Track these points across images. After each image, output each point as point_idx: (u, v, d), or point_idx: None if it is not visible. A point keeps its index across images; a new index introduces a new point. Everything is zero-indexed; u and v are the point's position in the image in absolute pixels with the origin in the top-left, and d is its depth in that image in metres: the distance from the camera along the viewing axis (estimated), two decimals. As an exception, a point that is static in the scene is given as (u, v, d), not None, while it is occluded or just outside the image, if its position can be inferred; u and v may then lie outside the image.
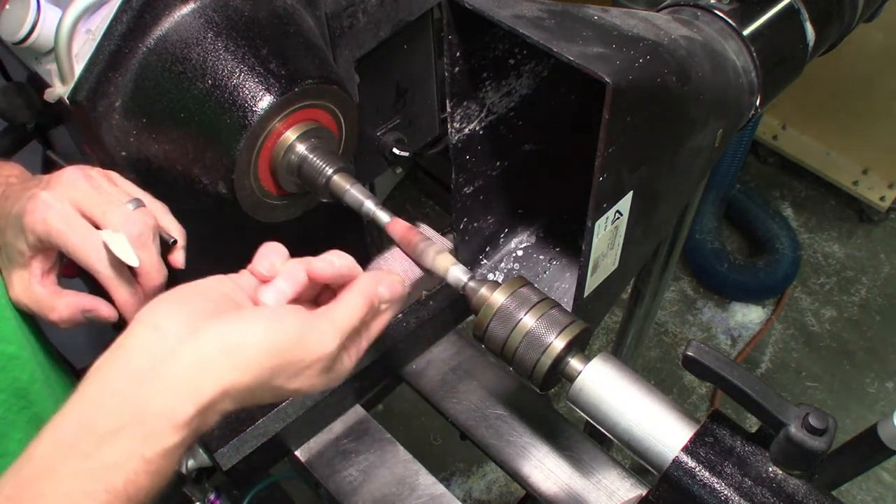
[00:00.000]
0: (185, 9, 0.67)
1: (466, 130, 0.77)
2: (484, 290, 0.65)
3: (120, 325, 0.68)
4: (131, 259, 0.62)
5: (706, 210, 2.52)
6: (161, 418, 0.48)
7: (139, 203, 0.66)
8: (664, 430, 0.62)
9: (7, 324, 0.66)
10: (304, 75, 0.68)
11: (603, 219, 0.68)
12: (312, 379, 0.56)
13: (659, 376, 2.35)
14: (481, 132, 0.79)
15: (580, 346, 0.66)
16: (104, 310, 0.67)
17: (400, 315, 0.95)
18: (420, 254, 0.66)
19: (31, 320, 0.71)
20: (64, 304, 0.66)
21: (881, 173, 2.60)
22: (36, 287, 0.66)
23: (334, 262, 0.60)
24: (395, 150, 1.01)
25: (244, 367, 0.52)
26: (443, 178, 1.28)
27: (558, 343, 0.63)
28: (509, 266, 0.92)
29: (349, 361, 0.59)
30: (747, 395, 0.57)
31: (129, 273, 0.65)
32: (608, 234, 0.71)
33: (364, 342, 0.60)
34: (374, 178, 1.09)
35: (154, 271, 0.65)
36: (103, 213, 0.63)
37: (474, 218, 0.86)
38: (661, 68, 0.65)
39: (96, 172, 0.66)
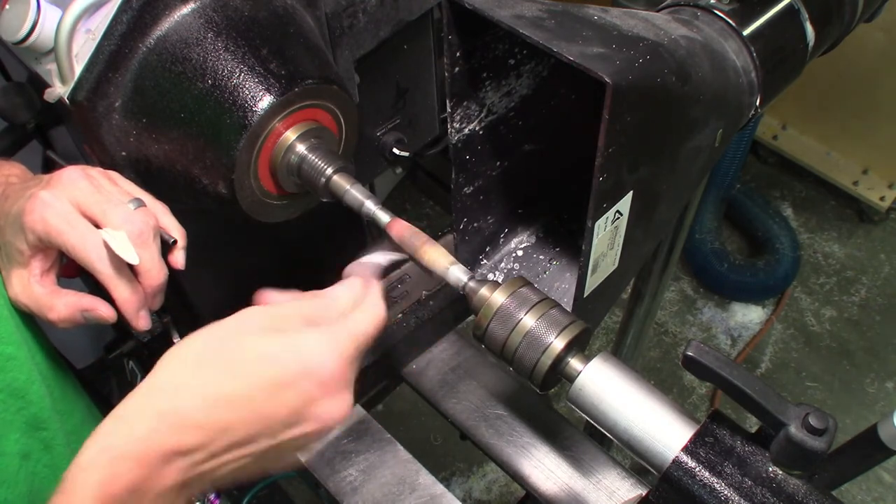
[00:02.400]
0: (185, 9, 0.67)
1: (466, 130, 0.77)
2: (484, 290, 0.65)
3: (119, 325, 0.68)
4: (132, 257, 0.62)
5: (706, 210, 2.52)
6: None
7: (140, 203, 0.65)
8: (664, 430, 0.62)
9: (5, 324, 0.66)
10: (304, 75, 0.68)
11: (603, 219, 0.68)
12: (261, 365, 0.51)
13: (659, 376, 2.35)
14: (481, 132, 0.79)
15: (580, 346, 0.66)
16: (103, 310, 0.67)
17: (400, 315, 0.95)
18: (419, 254, 0.66)
19: (30, 320, 0.71)
20: (63, 304, 0.66)
21: (881, 173, 2.60)
22: (35, 286, 0.66)
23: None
24: (395, 150, 1.01)
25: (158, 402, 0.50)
26: (443, 178, 1.28)
27: (558, 343, 0.63)
28: (509, 266, 0.92)
29: (318, 336, 0.52)
30: (747, 395, 0.57)
31: (129, 272, 0.65)
32: (608, 234, 0.71)
33: (339, 325, 0.54)
34: (374, 178, 1.09)
35: (155, 270, 0.65)
36: (104, 212, 0.63)
37: (474, 218, 0.86)
38: (661, 68, 0.65)
39: (97, 172, 0.66)
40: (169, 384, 0.51)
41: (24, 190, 0.65)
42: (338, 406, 0.53)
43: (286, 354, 0.51)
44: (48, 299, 0.66)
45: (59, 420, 0.73)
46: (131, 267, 0.64)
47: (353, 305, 0.58)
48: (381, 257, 0.72)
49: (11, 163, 0.74)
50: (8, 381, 0.66)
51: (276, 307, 0.55)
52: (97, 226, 0.63)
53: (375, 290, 0.61)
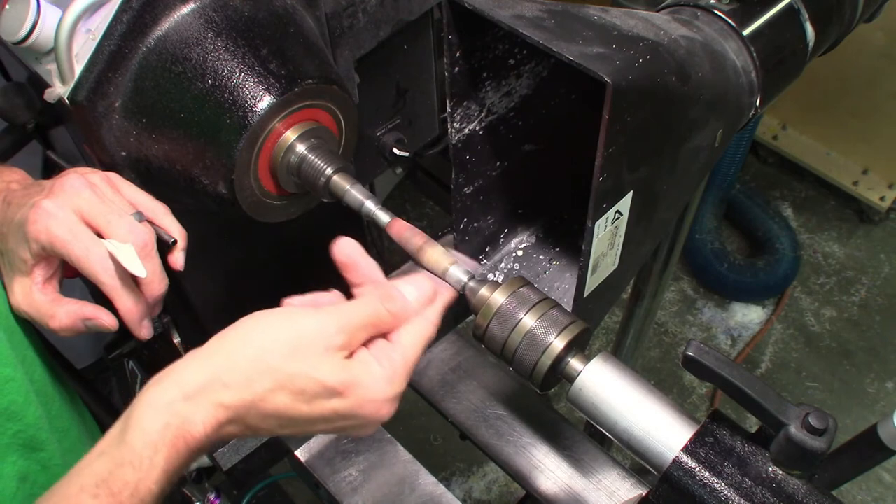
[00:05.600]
0: (185, 9, 0.67)
1: (466, 130, 0.77)
2: (484, 291, 0.65)
3: (120, 325, 0.68)
4: (140, 270, 0.62)
5: (706, 210, 2.52)
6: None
7: (142, 216, 0.66)
8: (664, 430, 0.62)
9: (1, 345, 0.66)
10: (304, 75, 0.68)
11: (603, 219, 0.68)
12: (328, 395, 0.54)
13: (659, 376, 2.35)
14: (481, 132, 0.79)
15: (580, 346, 0.66)
16: (105, 319, 0.67)
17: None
18: (420, 254, 0.66)
19: (26, 332, 0.71)
20: (64, 313, 0.66)
21: (881, 173, 2.60)
22: (37, 295, 0.66)
23: (348, 250, 0.61)
24: (395, 150, 1.01)
25: (227, 378, 0.53)
26: (443, 178, 1.28)
27: (558, 343, 0.63)
28: (509, 266, 0.92)
29: (381, 373, 0.55)
30: (747, 395, 0.57)
31: (132, 283, 0.65)
32: (608, 234, 0.71)
33: (397, 355, 0.57)
34: (374, 178, 1.09)
35: (157, 281, 0.66)
36: (108, 222, 0.63)
37: (474, 218, 0.86)
38: (661, 68, 0.65)
39: (98, 178, 0.66)
40: (238, 378, 0.53)
41: (27, 197, 0.64)
42: (372, 429, 0.58)
43: (353, 393, 0.54)
44: (49, 308, 0.66)
45: (56, 440, 0.73)
46: (134, 277, 0.64)
47: (416, 311, 0.59)
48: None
49: (12, 168, 0.74)
50: (6, 405, 0.66)
51: (349, 312, 0.56)
52: (100, 236, 0.63)
53: (439, 307, 0.61)
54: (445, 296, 0.63)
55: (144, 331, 0.68)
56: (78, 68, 0.66)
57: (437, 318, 0.60)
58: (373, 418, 0.56)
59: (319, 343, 0.54)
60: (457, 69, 0.71)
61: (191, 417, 0.51)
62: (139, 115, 0.68)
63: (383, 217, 0.68)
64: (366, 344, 0.57)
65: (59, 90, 0.67)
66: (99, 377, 1.10)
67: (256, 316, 0.56)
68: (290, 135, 0.69)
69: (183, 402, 0.51)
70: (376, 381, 0.55)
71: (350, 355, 0.55)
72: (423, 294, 0.60)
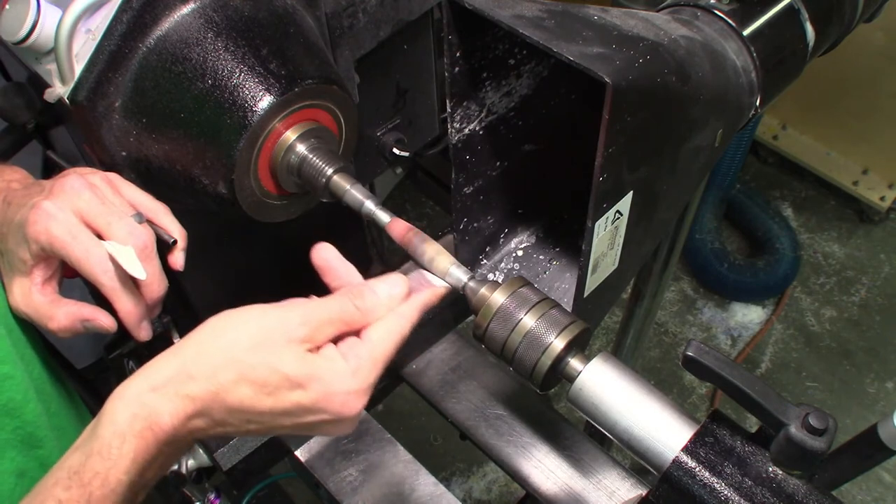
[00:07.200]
0: (185, 9, 0.67)
1: (466, 130, 0.77)
2: (484, 290, 0.65)
3: (121, 334, 0.68)
4: (139, 272, 0.62)
5: (706, 210, 2.52)
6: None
7: (142, 218, 0.66)
8: (664, 430, 0.62)
9: (1, 342, 0.66)
10: (304, 75, 0.68)
11: (603, 219, 0.68)
12: (290, 388, 0.54)
13: (659, 376, 2.35)
14: (481, 132, 0.79)
15: (580, 346, 0.66)
16: (104, 320, 0.67)
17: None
18: (419, 254, 0.66)
19: (27, 331, 0.71)
20: (63, 314, 0.66)
21: (881, 173, 2.60)
22: (36, 295, 0.66)
23: (327, 255, 0.61)
24: (395, 150, 1.01)
25: (188, 371, 0.53)
26: (443, 178, 1.28)
27: (558, 343, 0.63)
28: (509, 266, 0.92)
29: (343, 367, 0.55)
30: (747, 395, 0.57)
31: (132, 284, 0.65)
32: (608, 234, 0.71)
33: (364, 350, 0.56)
34: (374, 178, 1.09)
35: (156, 283, 0.66)
36: (108, 224, 0.63)
37: (474, 218, 0.86)
38: (661, 68, 0.65)
39: (98, 179, 0.66)
40: (203, 370, 0.53)
41: (27, 197, 0.64)
42: (346, 427, 0.58)
43: (315, 386, 0.54)
44: (48, 308, 0.66)
45: (54, 437, 0.73)
46: (133, 279, 0.64)
47: (388, 307, 0.59)
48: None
49: (13, 168, 0.74)
50: (4, 401, 0.66)
51: (313, 306, 0.56)
52: (100, 237, 0.63)
53: (416, 303, 0.61)
54: (426, 293, 0.63)
55: (143, 332, 0.68)
56: (78, 68, 0.66)
57: (412, 314, 0.60)
58: (342, 413, 0.55)
59: (281, 335, 0.54)
60: (457, 69, 0.71)
61: (157, 408, 0.52)
62: (139, 115, 0.68)
63: (383, 217, 0.68)
64: (335, 341, 0.57)
65: (59, 90, 0.67)
66: (99, 377, 1.10)
67: (227, 313, 0.57)
68: (290, 135, 0.69)
69: (150, 394, 0.52)
70: (337, 374, 0.55)
71: (316, 349, 0.56)
72: (395, 291, 0.60)
